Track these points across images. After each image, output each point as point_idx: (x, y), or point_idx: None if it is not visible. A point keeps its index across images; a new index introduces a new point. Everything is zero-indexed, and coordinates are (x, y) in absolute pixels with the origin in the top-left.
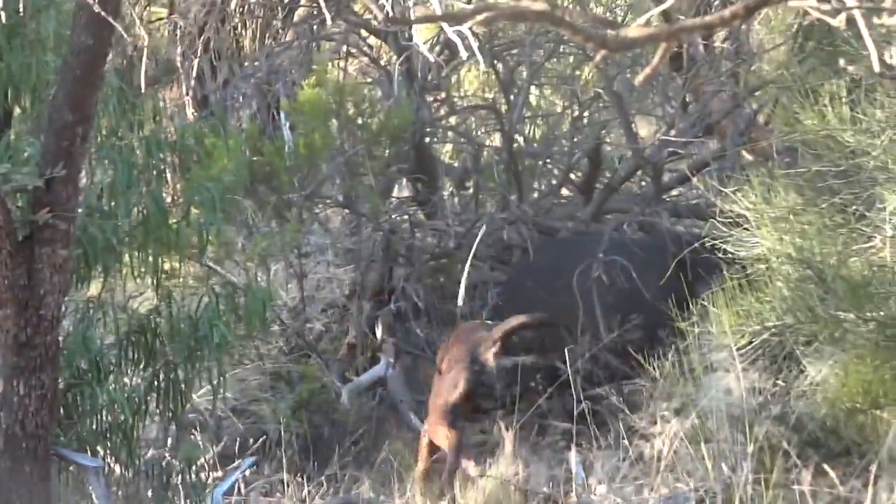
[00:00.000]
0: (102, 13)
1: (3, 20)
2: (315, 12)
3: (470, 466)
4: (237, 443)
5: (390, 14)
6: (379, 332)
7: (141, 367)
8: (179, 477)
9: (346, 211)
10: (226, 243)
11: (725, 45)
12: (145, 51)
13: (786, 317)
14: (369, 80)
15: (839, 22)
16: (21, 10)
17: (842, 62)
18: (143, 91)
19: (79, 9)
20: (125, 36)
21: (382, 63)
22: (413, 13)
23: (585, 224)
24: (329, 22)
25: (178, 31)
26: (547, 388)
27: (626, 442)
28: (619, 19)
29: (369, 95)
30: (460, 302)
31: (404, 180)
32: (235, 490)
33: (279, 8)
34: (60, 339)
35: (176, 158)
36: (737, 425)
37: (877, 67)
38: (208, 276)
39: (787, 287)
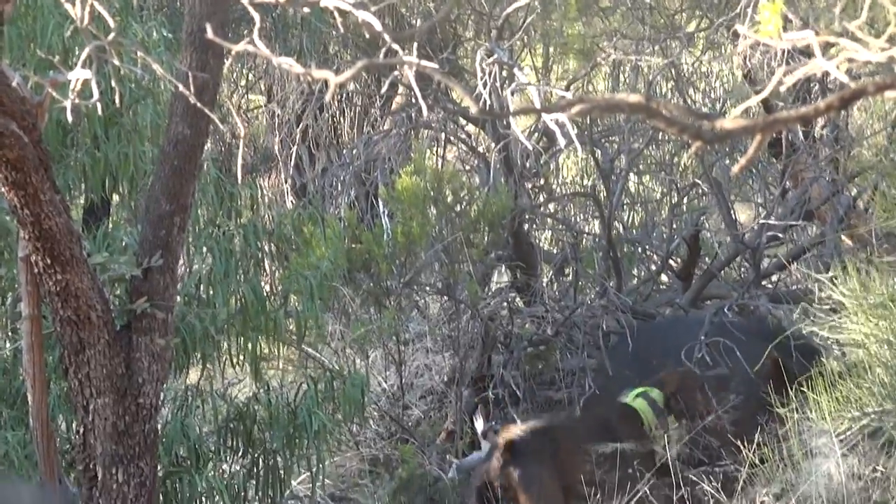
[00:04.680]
0: (199, 104)
1: (100, 111)
2: (413, 101)
3: None
4: None
5: (486, 106)
6: (478, 421)
7: (240, 454)
8: None
9: (445, 298)
10: (320, 328)
11: (825, 132)
12: (243, 140)
13: (885, 402)
14: (467, 167)
15: None
16: (118, 100)
17: None
18: (240, 180)
19: (175, 99)
20: (221, 126)
21: (480, 150)
22: (510, 103)
23: (684, 310)
24: (426, 111)
25: (276, 120)
26: (645, 473)
27: None
28: (718, 105)
29: (467, 183)
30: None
31: (503, 267)
32: None
33: (377, 96)
34: (159, 426)
35: (274, 247)
36: None
37: None
38: (306, 364)
39: (886, 373)
